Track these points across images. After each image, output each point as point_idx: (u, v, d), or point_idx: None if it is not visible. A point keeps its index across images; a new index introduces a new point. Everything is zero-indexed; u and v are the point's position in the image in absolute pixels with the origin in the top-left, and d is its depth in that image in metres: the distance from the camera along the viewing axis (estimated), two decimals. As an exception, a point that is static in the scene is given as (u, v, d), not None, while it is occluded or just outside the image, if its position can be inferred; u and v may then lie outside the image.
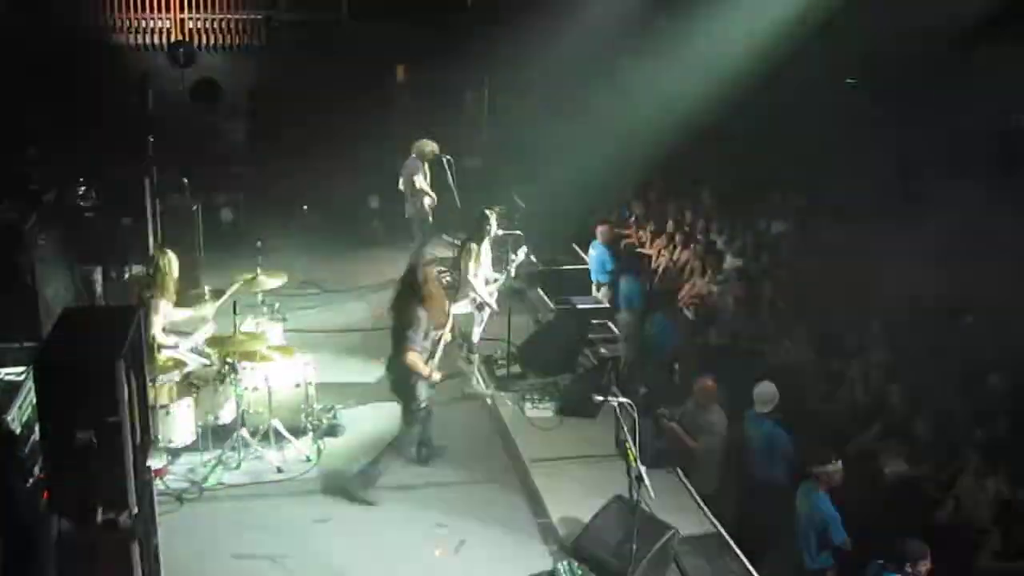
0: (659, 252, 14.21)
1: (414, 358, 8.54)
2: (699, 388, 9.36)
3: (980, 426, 8.85)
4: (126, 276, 10.39)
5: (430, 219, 14.08)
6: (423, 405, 8.80)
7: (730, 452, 9.28)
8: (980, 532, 7.90)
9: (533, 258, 13.29)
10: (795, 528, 8.07)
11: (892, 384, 9.65)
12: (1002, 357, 9.83)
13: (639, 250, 14.57)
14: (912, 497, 8.58)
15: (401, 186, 14.16)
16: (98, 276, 11.31)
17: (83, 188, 12.08)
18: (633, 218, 15.61)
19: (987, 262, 11.19)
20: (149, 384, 7.40)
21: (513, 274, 10.85)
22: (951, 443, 8.90)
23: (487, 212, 10.93)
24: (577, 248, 14.75)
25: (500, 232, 10.92)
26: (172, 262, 9.56)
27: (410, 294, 8.67)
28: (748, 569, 7.90)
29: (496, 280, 10.89)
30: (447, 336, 8.97)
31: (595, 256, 13.91)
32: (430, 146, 13.95)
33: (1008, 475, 8.18)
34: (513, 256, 10.77)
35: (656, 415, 9.30)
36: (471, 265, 10.78)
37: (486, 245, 10.91)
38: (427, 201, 13.66)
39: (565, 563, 7.62)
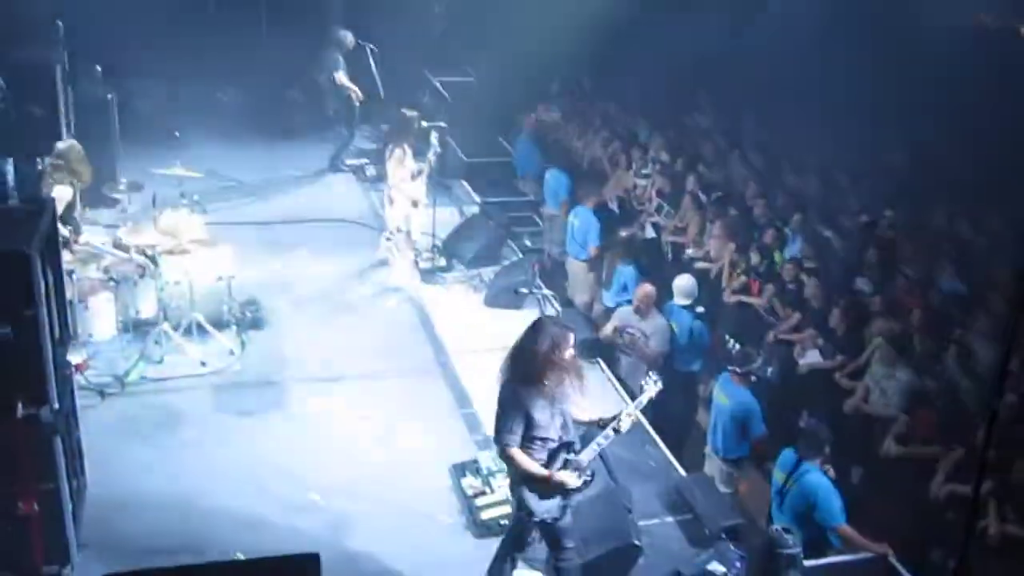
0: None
1: (515, 454, 5.96)
2: (640, 294, 9.13)
3: (892, 318, 9.08)
4: (38, 168, 10.07)
5: (356, 114, 13.84)
6: (537, 519, 6.11)
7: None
8: (888, 419, 8.18)
9: (459, 152, 13.28)
10: (712, 419, 8.28)
11: (809, 277, 9.82)
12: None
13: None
14: (825, 387, 8.83)
15: (321, 81, 13.89)
16: (9, 167, 10.94)
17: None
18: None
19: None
20: (66, 278, 7.27)
21: (433, 163, 10.80)
22: (863, 335, 9.13)
23: (406, 112, 10.85)
24: (504, 142, 14.48)
25: (424, 125, 10.83)
26: (76, 152, 9.29)
27: (524, 363, 6.15)
28: (668, 457, 8.14)
29: (420, 172, 10.82)
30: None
31: (522, 151, 13.75)
32: (348, 36, 13.65)
33: (916, 365, 8.45)
34: (433, 144, 10.71)
35: (615, 331, 9.22)
36: (398, 170, 10.73)
37: (408, 144, 10.85)
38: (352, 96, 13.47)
39: (488, 452, 7.76)
